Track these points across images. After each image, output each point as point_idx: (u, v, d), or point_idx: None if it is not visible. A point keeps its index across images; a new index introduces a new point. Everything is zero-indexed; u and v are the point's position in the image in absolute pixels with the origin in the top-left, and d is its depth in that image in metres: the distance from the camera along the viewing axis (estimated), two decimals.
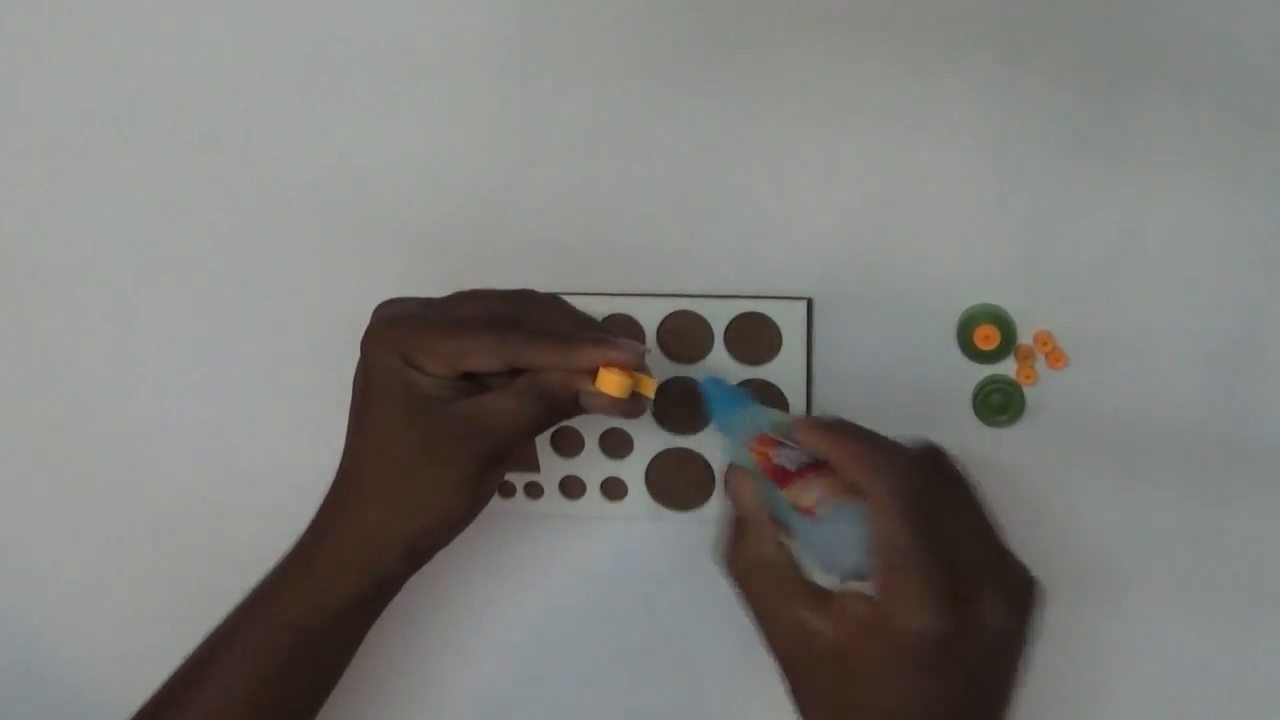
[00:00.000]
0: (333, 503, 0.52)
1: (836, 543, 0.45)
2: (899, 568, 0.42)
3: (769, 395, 0.57)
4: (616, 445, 0.59)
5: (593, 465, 0.59)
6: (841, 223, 0.55)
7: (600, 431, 0.59)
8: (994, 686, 0.45)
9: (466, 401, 0.49)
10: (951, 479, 0.47)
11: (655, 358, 0.57)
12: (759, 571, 0.46)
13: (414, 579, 0.53)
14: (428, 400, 0.49)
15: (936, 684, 0.43)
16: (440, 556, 0.54)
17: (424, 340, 0.49)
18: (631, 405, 0.49)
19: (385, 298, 0.60)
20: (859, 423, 0.56)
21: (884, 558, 0.43)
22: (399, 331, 0.50)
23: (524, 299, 0.51)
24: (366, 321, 0.53)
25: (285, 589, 0.52)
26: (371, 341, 0.50)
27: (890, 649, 0.42)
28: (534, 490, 0.60)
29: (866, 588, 0.43)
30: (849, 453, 0.45)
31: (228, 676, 0.51)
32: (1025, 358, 0.55)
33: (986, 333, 0.54)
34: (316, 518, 0.52)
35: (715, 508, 0.58)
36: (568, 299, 0.54)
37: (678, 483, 0.59)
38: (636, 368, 0.48)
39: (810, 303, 0.56)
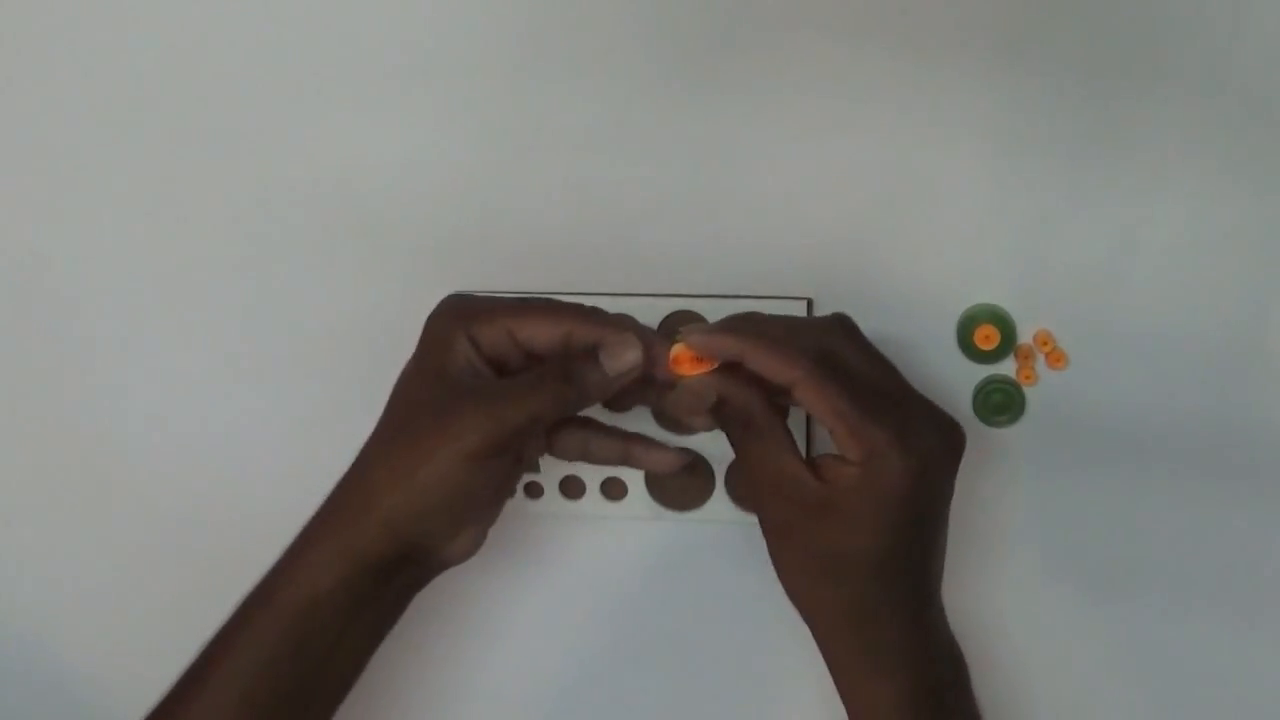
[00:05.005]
0: (340, 481, 0.51)
1: None
2: (858, 435, 0.46)
3: None
4: None
5: (593, 465, 0.59)
6: (841, 223, 0.55)
7: None
8: (945, 500, 0.49)
9: (493, 380, 0.49)
10: (857, 340, 0.49)
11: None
12: (761, 451, 0.48)
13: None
14: (462, 373, 0.48)
15: (916, 514, 0.47)
16: None
17: (486, 306, 0.50)
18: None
19: (386, 299, 0.60)
20: None
21: (840, 428, 0.46)
22: (465, 302, 0.51)
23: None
24: (368, 321, 0.53)
25: (278, 575, 0.50)
26: (436, 313, 0.50)
27: (881, 498, 0.46)
28: (534, 490, 0.60)
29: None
30: (760, 353, 0.47)
31: (225, 674, 0.49)
32: (1025, 358, 0.55)
33: (986, 333, 0.54)
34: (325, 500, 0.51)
35: (715, 508, 0.58)
36: (568, 299, 0.53)
37: (678, 483, 0.59)
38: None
39: (810, 303, 0.56)
